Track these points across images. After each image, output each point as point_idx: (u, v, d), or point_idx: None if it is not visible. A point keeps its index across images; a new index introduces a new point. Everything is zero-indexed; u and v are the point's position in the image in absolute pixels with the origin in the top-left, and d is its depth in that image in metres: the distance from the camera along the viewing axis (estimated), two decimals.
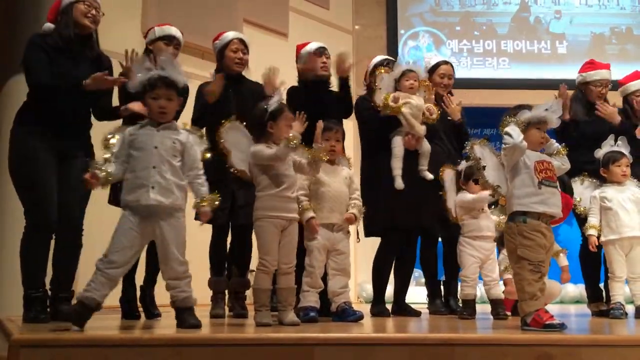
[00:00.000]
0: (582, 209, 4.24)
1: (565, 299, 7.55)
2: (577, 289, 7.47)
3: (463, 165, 3.98)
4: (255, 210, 3.10)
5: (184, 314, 2.81)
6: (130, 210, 2.83)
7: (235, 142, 3.23)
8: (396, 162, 4.05)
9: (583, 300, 5.28)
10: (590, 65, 4.73)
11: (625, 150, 4.20)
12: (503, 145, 2.94)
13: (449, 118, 4.44)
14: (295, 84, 4.20)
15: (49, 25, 3.53)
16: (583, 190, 4.29)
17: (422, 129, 4.10)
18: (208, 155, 3.01)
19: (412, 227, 4.13)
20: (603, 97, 4.62)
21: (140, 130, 2.92)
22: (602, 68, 4.68)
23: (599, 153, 4.22)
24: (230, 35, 4.11)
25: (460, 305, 3.96)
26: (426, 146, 4.15)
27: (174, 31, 3.87)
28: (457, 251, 3.92)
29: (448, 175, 4.01)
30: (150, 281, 3.87)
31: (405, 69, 4.18)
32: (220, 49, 4.10)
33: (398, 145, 4.08)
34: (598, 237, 4.13)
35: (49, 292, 3.45)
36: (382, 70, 4.17)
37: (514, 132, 2.90)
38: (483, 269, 3.90)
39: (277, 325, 3.04)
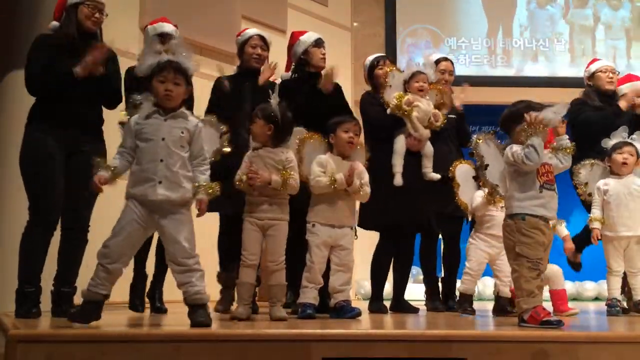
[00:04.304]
0: (588, 196, 4.15)
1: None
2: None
3: None
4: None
5: (195, 311, 2.71)
6: (136, 201, 2.74)
7: None
8: (397, 159, 4.06)
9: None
10: (593, 59, 5.05)
11: (639, 144, 4.07)
12: (525, 158, 2.82)
13: (450, 116, 4.44)
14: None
15: (55, 24, 3.55)
16: (591, 176, 4.18)
17: (426, 133, 4.13)
18: (228, 149, 3.20)
19: (409, 224, 4.12)
20: (612, 83, 4.73)
21: (147, 120, 2.79)
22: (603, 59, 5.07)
23: (608, 143, 4.11)
24: (250, 31, 4.17)
25: (457, 298, 3.95)
26: (429, 148, 4.19)
27: (167, 28, 3.90)
28: (467, 245, 3.91)
29: (461, 169, 3.98)
30: (160, 276, 3.89)
31: (416, 70, 4.20)
32: (241, 45, 4.14)
33: (400, 142, 4.09)
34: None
35: (53, 288, 3.46)
36: (394, 68, 4.22)
37: (540, 150, 2.81)
38: (495, 265, 3.89)
39: (268, 321, 3.09)
